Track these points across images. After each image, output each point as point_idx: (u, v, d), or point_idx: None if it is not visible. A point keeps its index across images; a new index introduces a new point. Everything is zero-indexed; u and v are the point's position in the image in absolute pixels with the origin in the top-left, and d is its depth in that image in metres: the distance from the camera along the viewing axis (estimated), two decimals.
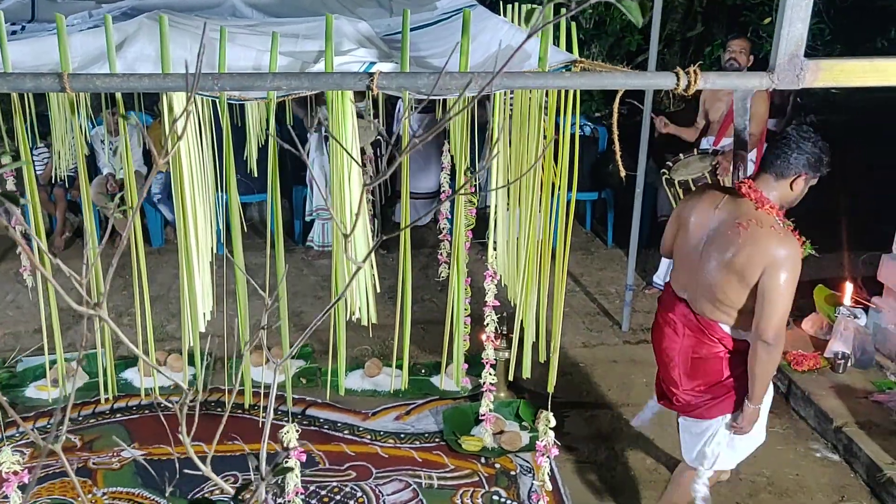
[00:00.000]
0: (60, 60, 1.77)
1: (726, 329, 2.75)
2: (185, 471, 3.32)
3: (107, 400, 4.13)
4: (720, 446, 2.88)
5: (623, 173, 2.05)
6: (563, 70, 1.85)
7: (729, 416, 2.82)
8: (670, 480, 3.28)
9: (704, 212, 2.74)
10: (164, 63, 1.88)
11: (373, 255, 2.45)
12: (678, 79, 1.56)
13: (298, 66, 1.95)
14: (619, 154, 1.99)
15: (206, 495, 3.48)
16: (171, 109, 2.00)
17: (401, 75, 1.69)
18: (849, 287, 4.68)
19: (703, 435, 2.91)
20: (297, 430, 2.46)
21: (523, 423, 4.02)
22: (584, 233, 6.64)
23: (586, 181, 6.16)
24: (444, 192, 4.56)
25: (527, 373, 2.76)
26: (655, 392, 3.12)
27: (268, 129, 4.51)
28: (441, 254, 4.53)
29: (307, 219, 6.00)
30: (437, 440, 3.94)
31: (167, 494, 3.48)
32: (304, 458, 2.61)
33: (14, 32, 2.59)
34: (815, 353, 4.41)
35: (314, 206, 5.82)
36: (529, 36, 0.96)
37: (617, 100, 1.81)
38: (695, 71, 1.55)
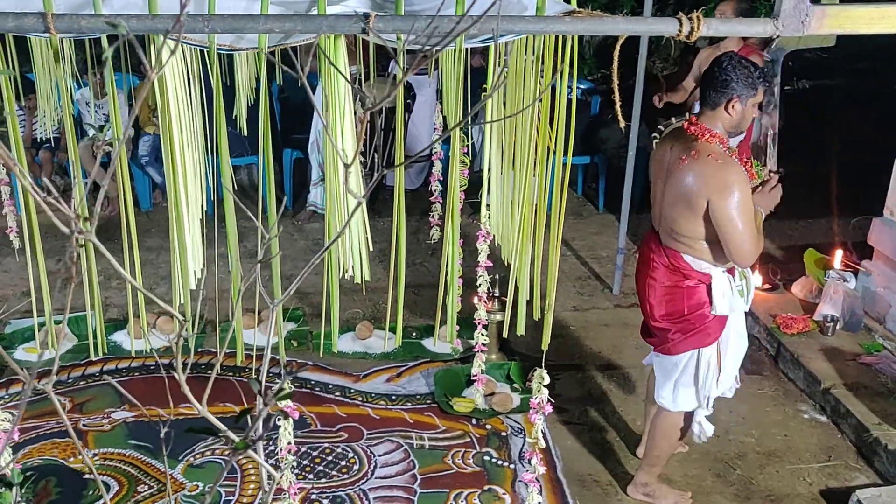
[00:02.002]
0: (44, 2, 1.72)
1: (688, 259, 2.91)
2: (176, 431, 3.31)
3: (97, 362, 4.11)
4: (709, 385, 3.03)
5: (622, 123, 2.03)
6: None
7: (703, 350, 2.97)
8: (647, 433, 3.40)
9: (663, 152, 2.94)
10: (152, 8, 1.83)
11: (365, 214, 2.42)
12: (681, 24, 1.53)
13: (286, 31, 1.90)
14: (618, 105, 1.96)
15: (198, 456, 3.48)
16: (159, 61, 1.95)
17: (397, 18, 1.65)
18: (839, 251, 4.69)
19: (673, 371, 3.06)
20: (291, 388, 2.45)
21: (514, 385, 4.03)
22: (575, 197, 6.62)
23: (578, 146, 6.10)
24: (435, 153, 4.52)
25: (521, 330, 2.75)
26: (640, 329, 3.32)
27: (257, 85, 4.45)
28: (433, 216, 4.50)
29: (311, 187, 5.94)
30: (428, 402, 3.94)
31: (165, 452, 3.48)
32: (296, 415, 2.60)
33: None
34: (804, 316, 4.43)
35: (322, 172, 5.76)
36: None
37: (617, 49, 1.78)
38: (697, 17, 1.53)
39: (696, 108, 3.20)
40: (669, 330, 3.00)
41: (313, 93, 5.58)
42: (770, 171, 2.98)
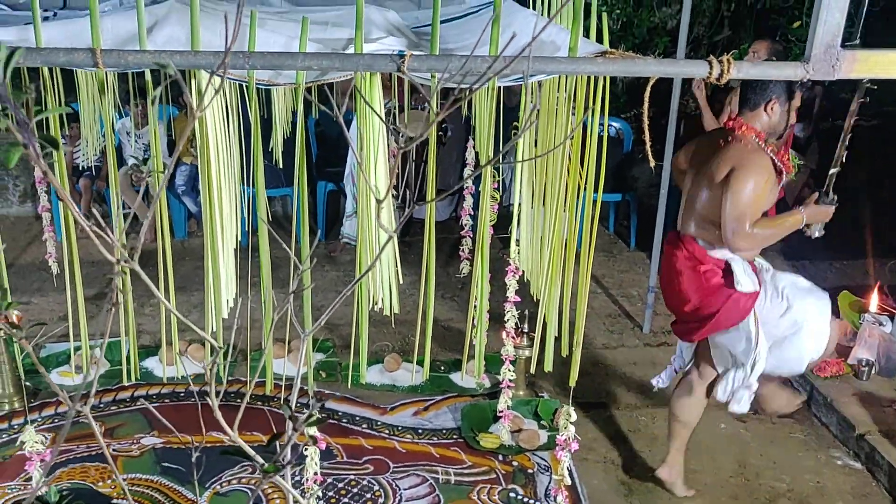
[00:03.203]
0: (92, 38, 1.79)
1: (702, 243, 3.00)
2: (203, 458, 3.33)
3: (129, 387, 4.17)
4: (755, 352, 3.03)
5: (653, 163, 2.04)
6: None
7: (743, 322, 3.00)
8: (669, 415, 3.46)
9: (703, 146, 3.06)
10: (195, 45, 1.89)
11: (396, 248, 2.46)
12: (711, 67, 1.55)
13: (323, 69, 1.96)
14: (649, 144, 1.98)
15: (224, 484, 3.50)
16: (200, 94, 2.01)
17: (431, 57, 1.69)
18: (874, 294, 4.62)
19: (735, 341, 3.07)
20: (321, 416, 2.46)
21: (542, 422, 4.00)
22: (606, 234, 6.61)
23: (610, 183, 6.12)
24: (467, 188, 4.56)
25: (549, 366, 2.75)
26: (671, 326, 3.38)
27: (293, 119, 4.54)
28: (462, 250, 4.52)
29: (345, 219, 6.01)
30: (454, 436, 3.93)
31: (195, 481, 3.50)
32: (323, 445, 2.61)
33: (46, 18, 2.62)
34: (838, 359, 4.35)
35: (356, 206, 5.84)
36: (551, 19, 0.95)
37: (647, 90, 1.80)
38: (728, 59, 1.55)
39: None
40: (701, 312, 3.04)
41: (348, 129, 5.68)
42: (830, 193, 3.00)
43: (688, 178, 3.14)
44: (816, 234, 3.09)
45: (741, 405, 3.16)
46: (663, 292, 3.29)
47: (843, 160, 2.97)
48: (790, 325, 3.03)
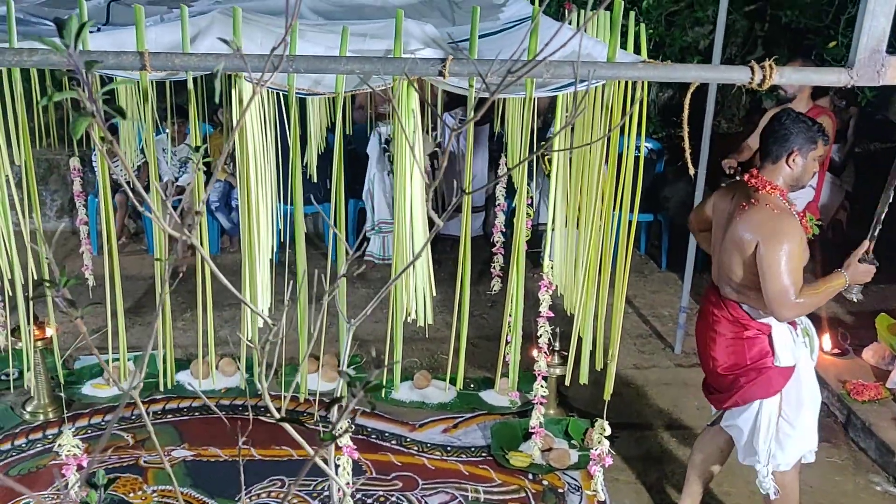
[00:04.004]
0: (138, 42, 1.82)
1: (746, 309, 2.91)
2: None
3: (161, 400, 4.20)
4: (769, 439, 2.94)
5: (692, 170, 2.03)
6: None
7: (765, 401, 2.91)
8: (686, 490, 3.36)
9: (723, 202, 2.97)
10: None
11: (429, 254, 2.46)
12: (753, 72, 1.54)
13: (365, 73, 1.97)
14: (688, 151, 1.96)
15: (254, 497, 3.50)
16: (240, 101, 2.04)
17: (473, 62, 1.70)
18: None
19: (745, 425, 2.99)
20: (351, 428, 2.46)
21: (572, 441, 3.96)
22: (638, 255, 6.56)
23: (642, 203, 6.09)
24: (499, 204, 4.56)
25: (584, 379, 2.73)
26: (702, 387, 3.26)
27: (328, 136, 4.57)
28: (494, 267, 4.51)
29: (368, 234, 6.04)
30: (484, 454, 3.90)
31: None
32: (355, 455, 2.61)
33: (91, 32, 2.68)
34: (876, 383, 4.28)
35: (376, 220, 5.86)
36: (586, 21, 0.95)
37: (688, 97, 1.79)
38: (770, 65, 1.53)
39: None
40: (735, 381, 2.95)
41: (366, 144, 5.73)
42: (870, 253, 2.90)
43: (714, 238, 3.04)
44: (856, 298, 3.00)
45: (764, 487, 3.04)
46: (699, 350, 3.17)
47: (882, 223, 2.88)
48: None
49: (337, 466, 2.52)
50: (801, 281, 2.74)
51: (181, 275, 0.90)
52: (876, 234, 2.88)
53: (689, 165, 2.00)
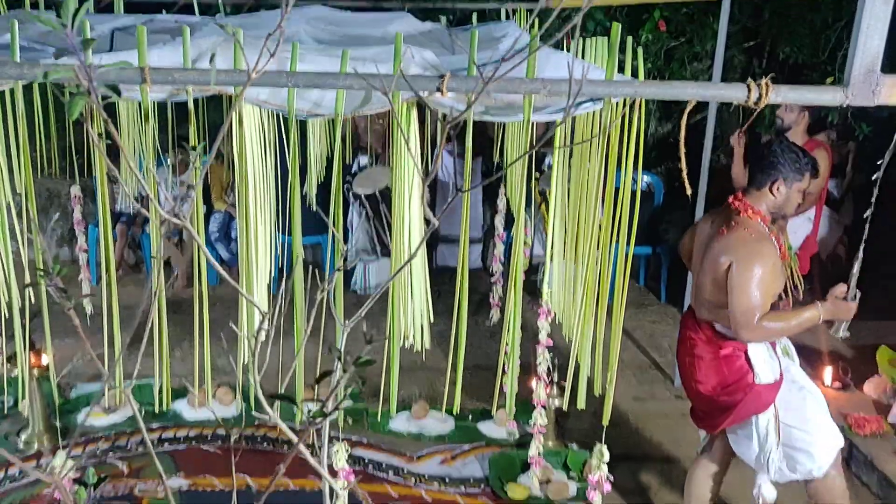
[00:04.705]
0: (139, 58, 1.84)
1: (718, 328, 2.92)
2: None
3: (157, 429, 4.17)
4: (769, 450, 2.92)
5: (689, 190, 2.03)
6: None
7: (760, 416, 2.88)
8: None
9: (706, 225, 3.01)
10: (237, 64, 1.93)
11: (426, 268, 2.46)
12: (749, 90, 1.55)
13: (365, 90, 2.00)
14: (685, 170, 1.97)
15: None
16: (240, 122, 2.05)
17: (470, 78, 1.72)
18: None
19: (747, 442, 2.98)
20: (348, 450, 2.44)
21: (571, 474, 3.92)
22: (637, 287, 6.56)
23: (641, 235, 6.10)
24: (498, 234, 4.57)
25: (581, 403, 2.71)
26: (690, 414, 3.27)
27: (328, 165, 4.59)
28: (492, 297, 4.51)
29: (349, 266, 6.03)
30: (482, 486, 3.86)
31: None
32: (352, 478, 2.58)
33: (94, 54, 2.70)
34: (878, 416, 4.25)
35: (355, 249, 5.87)
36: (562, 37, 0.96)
37: (685, 116, 1.79)
38: (766, 83, 1.54)
39: None
40: (722, 402, 2.94)
41: (351, 173, 5.74)
42: (857, 291, 2.90)
43: (694, 261, 3.07)
44: (842, 334, 2.98)
45: (764, 497, 3.05)
46: (682, 376, 3.18)
47: (862, 260, 2.88)
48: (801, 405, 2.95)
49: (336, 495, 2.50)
50: (769, 307, 2.75)
51: (176, 274, 0.90)
52: (855, 281, 2.86)
53: (687, 185, 2.00)
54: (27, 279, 3.27)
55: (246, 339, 2.77)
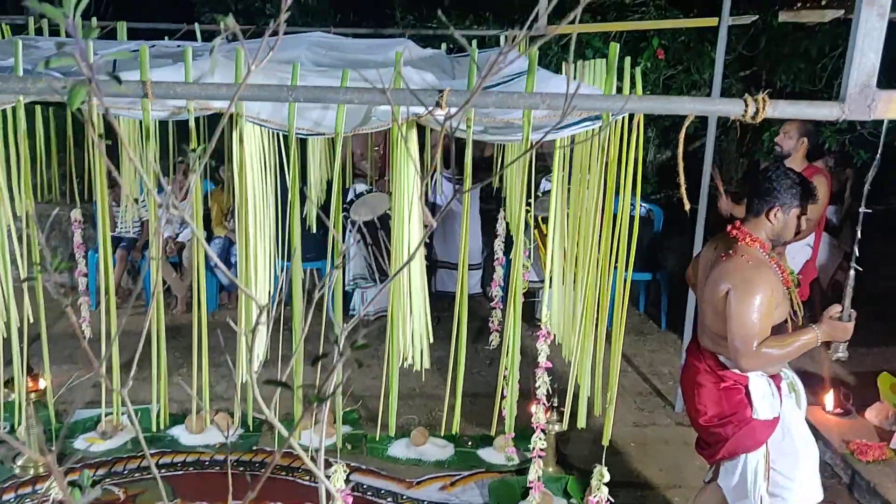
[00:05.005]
0: (141, 72, 1.85)
1: (721, 359, 2.89)
2: None
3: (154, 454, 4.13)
4: (757, 496, 2.88)
5: (687, 206, 2.03)
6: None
7: (749, 455, 2.87)
8: None
9: (709, 252, 3.00)
10: (238, 79, 1.95)
11: (425, 284, 2.46)
12: (746, 105, 1.56)
13: (365, 108, 2.01)
14: (684, 186, 1.97)
15: None
16: (241, 141, 2.06)
17: (469, 92, 1.72)
18: None
19: (732, 481, 2.95)
20: (346, 471, 2.42)
21: (571, 500, 3.88)
22: (637, 314, 6.55)
23: (640, 261, 6.10)
24: (497, 259, 4.57)
25: (582, 423, 2.70)
26: (695, 443, 3.24)
27: (328, 188, 4.60)
28: (492, 321, 4.50)
29: (346, 289, 6.01)
30: None
31: None
32: (350, 500, 2.55)
33: None
34: (880, 443, 4.22)
35: (352, 276, 5.84)
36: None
37: (683, 130, 1.79)
38: (763, 98, 1.55)
39: None
40: (719, 434, 2.91)
41: (348, 198, 5.74)
42: (851, 311, 2.87)
43: (698, 288, 3.06)
44: (840, 355, 2.95)
45: None
46: (685, 402, 3.17)
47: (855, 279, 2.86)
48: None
49: None
50: (767, 333, 2.71)
51: (174, 272, 0.90)
52: (849, 301, 2.83)
53: (685, 201, 2.00)
54: (27, 304, 3.26)
55: (243, 367, 2.76)
